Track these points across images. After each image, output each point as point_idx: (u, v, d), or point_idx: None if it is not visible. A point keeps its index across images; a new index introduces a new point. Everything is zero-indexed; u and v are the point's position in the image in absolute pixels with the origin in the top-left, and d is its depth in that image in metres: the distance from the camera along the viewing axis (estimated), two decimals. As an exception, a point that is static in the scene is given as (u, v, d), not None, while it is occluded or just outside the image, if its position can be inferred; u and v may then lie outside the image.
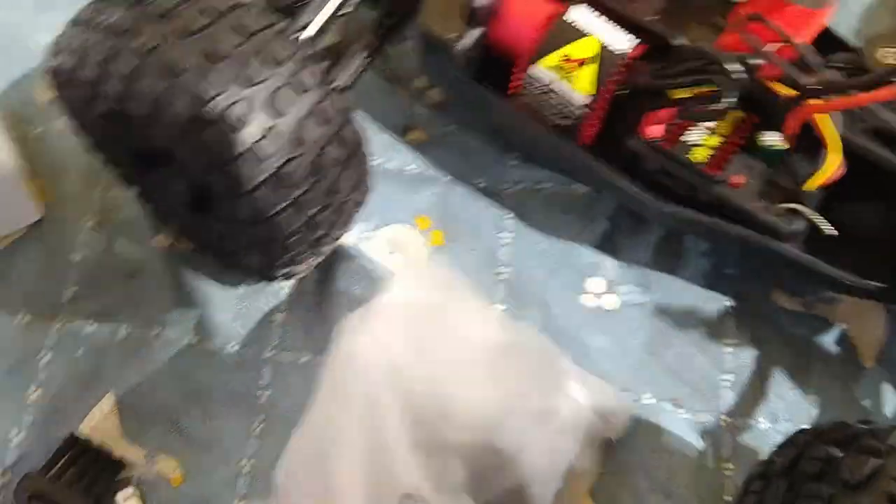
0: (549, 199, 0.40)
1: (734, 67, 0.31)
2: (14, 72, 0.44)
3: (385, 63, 0.42)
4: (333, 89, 0.32)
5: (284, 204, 0.30)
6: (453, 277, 0.35)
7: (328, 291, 0.38)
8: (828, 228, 0.32)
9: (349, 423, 0.31)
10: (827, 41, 0.35)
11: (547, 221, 0.39)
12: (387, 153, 0.41)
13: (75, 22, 0.31)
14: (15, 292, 0.39)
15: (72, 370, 0.37)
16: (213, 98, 0.28)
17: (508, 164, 0.41)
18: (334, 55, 0.38)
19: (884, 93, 0.30)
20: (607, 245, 0.39)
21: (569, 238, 0.39)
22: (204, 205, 0.35)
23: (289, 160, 0.30)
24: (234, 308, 0.38)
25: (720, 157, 0.34)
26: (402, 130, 0.42)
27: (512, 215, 0.40)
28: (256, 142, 0.29)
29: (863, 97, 0.31)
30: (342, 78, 0.37)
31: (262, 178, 0.29)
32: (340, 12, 0.36)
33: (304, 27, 0.35)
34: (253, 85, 0.29)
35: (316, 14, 0.35)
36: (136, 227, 0.39)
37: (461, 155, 0.41)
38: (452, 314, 0.34)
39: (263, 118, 0.29)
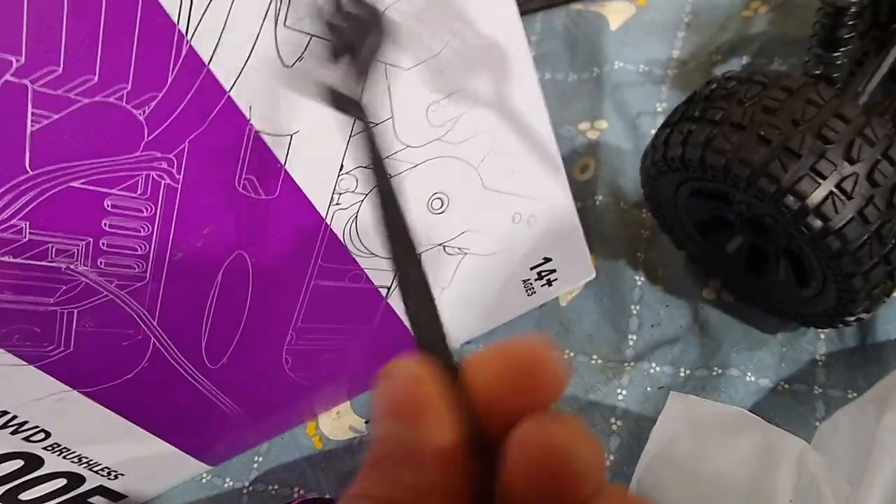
0: None
1: None
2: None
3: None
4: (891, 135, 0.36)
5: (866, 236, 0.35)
6: None
7: (870, 338, 0.42)
8: None
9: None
10: None
11: None
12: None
13: (674, 122, 0.39)
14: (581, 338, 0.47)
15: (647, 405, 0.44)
16: (818, 176, 0.34)
17: None
18: None
19: None
20: None
21: None
22: (763, 261, 0.41)
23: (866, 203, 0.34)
24: (779, 350, 0.43)
25: None
26: None
27: None
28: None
29: None
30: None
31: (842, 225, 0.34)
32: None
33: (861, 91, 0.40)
34: (846, 162, 0.35)
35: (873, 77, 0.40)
36: (684, 284, 0.46)
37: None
38: None
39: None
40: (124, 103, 0.29)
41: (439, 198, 0.38)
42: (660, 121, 0.47)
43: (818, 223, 0.34)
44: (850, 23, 0.41)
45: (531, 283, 0.46)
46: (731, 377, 0.42)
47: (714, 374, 0.42)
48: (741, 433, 0.33)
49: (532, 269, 0.45)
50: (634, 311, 0.46)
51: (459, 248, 0.41)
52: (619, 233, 0.49)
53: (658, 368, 0.44)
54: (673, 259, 0.46)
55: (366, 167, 0.22)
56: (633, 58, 0.56)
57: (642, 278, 0.47)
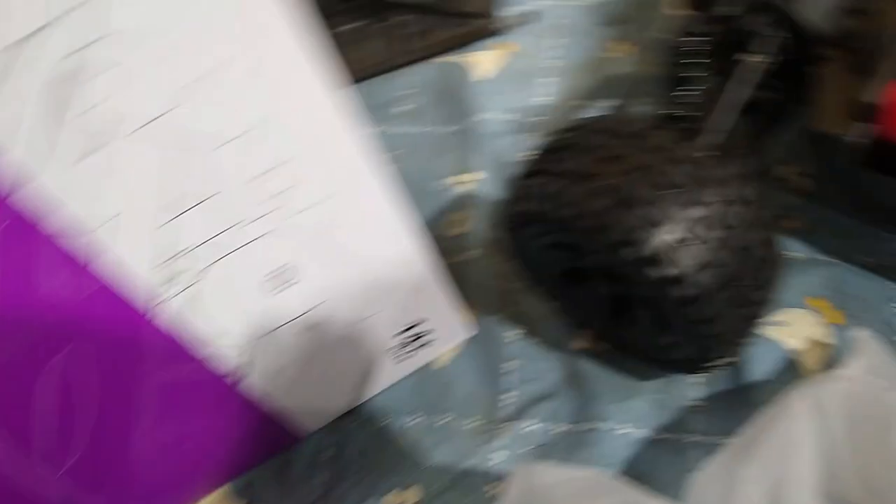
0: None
1: None
2: (422, 214, 0.52)
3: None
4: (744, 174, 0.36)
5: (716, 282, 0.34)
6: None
7: (743, 380, 0.41)
8: None
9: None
10: None
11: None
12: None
13: (528, 174, 0.38)
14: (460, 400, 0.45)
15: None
16: (659, 224, 0.33)
17: (890, 239, 0.43)
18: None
19: None
20: None
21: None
22: (626, 310, 0.40)
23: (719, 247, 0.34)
24: (653, 398, 0.42)
25: None
26: (776, 220, 0.45)
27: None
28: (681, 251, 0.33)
29: None
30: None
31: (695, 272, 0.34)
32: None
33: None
34: (693, 206, 0.34)
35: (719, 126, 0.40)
36: (554, 329, 0.45)
37: (843, 237, 0.44)
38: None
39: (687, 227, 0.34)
40: None
41: (281, 273, 0.36)
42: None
43: (661, 271, 0.33)
44: (693, 60, 0.41)
45: (403, 348, 0.45)
46: (605, 431, 0.41)
47: (588, 429, 0.41)
48: (597, 500, 0.32)
49: (401, 333, 0.43)
50: (510, 368, 0.45)
51: (313, 324, 0.39)
52: (494, 286, 0.48)
53: (533, 427, 0.42)
54: (545, 312, 0.45)
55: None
56: (502, 107, 0.55)
57: (517, 332, 0.46)
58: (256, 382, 0.39)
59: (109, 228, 0.31)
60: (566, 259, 0.39)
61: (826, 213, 0.45)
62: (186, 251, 0.33)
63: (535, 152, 0.39)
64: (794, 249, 0.44)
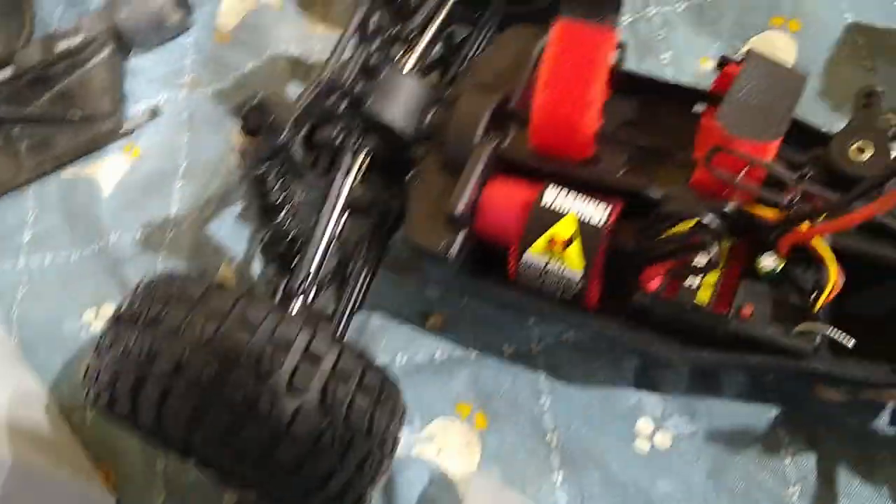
0: (576, 348, 0.41)
1: (710, 220, 0.33)
2: (56, 362, 0.46)
3: (385, 254, 0.43)
4: (344, 345, 0.33)
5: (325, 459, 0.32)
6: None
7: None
8: (845, 339, 0.33)
9: None
10: (799, 131, 0.36)
11: (580, 372, 0.40)
12: (412, 346, 0.43)
13: (97, 351, 0.34)
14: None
15: None
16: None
17: (527, 325, 0.42)
18: (338, 280, 0.40)
19: (873, 208, 0.30)
20: (644, 381, 0.40)
21: (606, 384, 0.40)
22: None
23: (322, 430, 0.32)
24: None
25: (724, 290, 0.35)
26: (420, 319, 0.44)
27: (544, 375, 0.41)
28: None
29: (856, 216, 0.31)
30: (352, 300, 0.40)
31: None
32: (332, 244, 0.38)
33: (303, 283, 0.37)
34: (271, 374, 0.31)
35: (311, 266, 0.37)
36: (204, 489, 0.41)
37: (482, 325, 0.42)
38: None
39: (290, 401, 0.31)
40: None
41: None
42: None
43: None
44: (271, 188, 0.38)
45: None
46: None
47: None
48: None
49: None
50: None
51: None
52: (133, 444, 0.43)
53: None
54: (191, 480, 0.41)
55: None
56: (131, 223, 0.51)
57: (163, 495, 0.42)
58: None
59: None
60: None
61: (464, 303, 0.43)
62: None
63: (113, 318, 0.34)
64: (437, 350, 0.43)
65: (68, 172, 0.53)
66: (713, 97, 0.36)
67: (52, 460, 0.40)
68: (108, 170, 0.52)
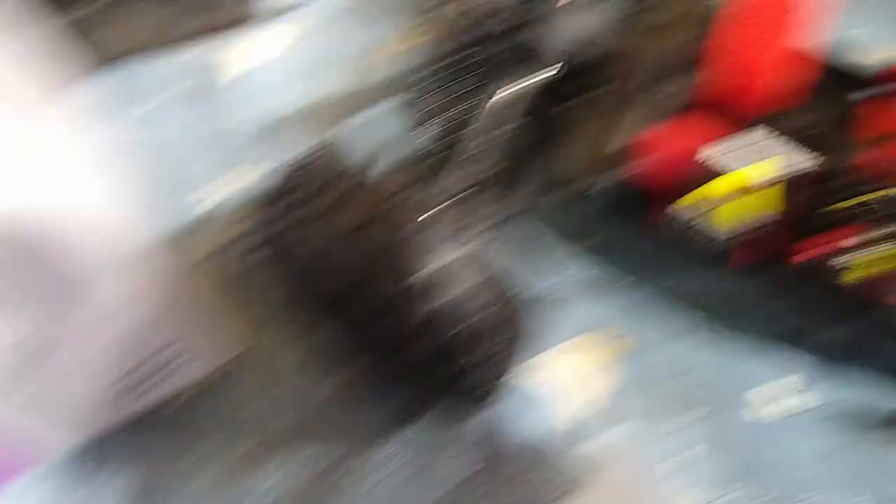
0: (733, 298, 0.40)
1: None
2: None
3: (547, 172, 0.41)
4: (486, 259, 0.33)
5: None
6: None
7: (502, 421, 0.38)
8: None
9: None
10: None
11: (729, 323, 0.39)
12: (559, 266, 0.41)
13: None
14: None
15: None
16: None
17: (689, 266, 0.41)
18: (492, 188, 0.39)
19: None
20: (797, 339, 0.39)
21: (752, 341, 0.39)
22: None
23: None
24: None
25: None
26: (572, 239, 0.42)
27: (696, 316, 0.40)
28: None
29: None
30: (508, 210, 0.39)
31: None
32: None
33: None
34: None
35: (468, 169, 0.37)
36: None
37: (639, 258, 0.41)
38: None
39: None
40: None
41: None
42: None
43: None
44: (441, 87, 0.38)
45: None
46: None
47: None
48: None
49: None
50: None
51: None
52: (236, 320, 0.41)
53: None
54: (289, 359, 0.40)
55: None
56: (261, 106, 0.49)
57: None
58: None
59: None
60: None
61: (624, 231, 0.42)
62: None
63: (280, 181, 0.34)
64: (586, 271, 0.41)
65: (197, 50, 0.51)
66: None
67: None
68: (242, 53, 0.51)
